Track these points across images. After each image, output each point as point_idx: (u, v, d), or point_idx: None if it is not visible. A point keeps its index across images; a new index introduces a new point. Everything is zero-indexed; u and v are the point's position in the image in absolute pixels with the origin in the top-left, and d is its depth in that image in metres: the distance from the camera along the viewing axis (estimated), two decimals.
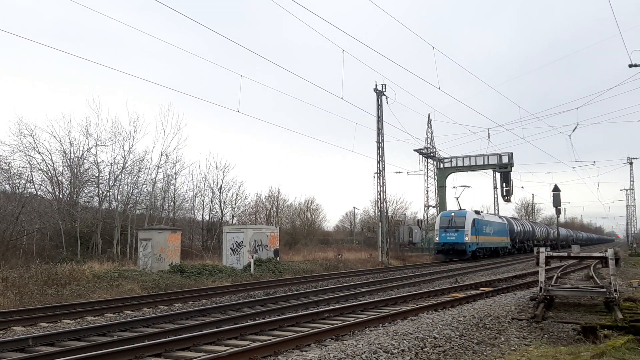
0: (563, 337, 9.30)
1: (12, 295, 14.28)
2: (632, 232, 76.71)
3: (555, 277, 17.70)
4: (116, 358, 7.20)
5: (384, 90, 38.89)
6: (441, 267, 30.76)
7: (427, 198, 53.82)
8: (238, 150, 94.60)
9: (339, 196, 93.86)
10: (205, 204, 40.29)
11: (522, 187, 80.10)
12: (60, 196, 31.49)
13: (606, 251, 12.40)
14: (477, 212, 40.55)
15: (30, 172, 29.97)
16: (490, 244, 41.55)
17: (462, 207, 39.49)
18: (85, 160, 31.83)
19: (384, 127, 38.80)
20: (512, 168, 54.55)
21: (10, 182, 28.89)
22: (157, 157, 34.22)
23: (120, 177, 32.22)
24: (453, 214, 38.08)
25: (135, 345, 7.75)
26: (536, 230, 59.35)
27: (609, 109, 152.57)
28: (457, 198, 39.94)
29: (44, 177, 31.13)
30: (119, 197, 32.88)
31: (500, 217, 48.03)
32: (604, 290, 12.11)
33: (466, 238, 36.39)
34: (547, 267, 12.74)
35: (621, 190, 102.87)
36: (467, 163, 54.58)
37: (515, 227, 49.57)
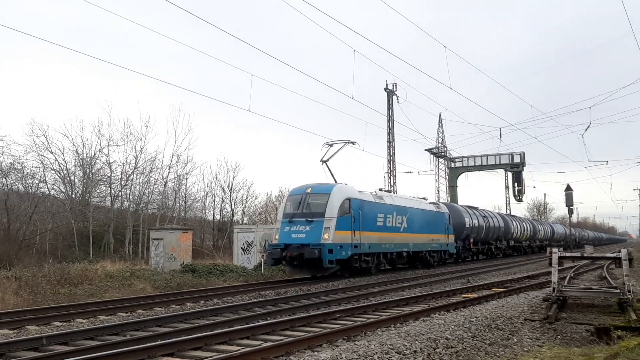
0: (576, 338, 9.24)
1: (25, 295, 14.42)
2: None
3: (568, 278, 17.59)
4: (129, 357, 7.23)
5: (394, 89, 38.94)
6: (454, 267, 28.47)
7: (438, 198, 53.62)
8: (248, 149, 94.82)
9: None
10: (216, 203, 40.54)
11: (534, 187, 79.65)
12: (73, 196, 31.79)
13: (619, 251, 12.30)
14: (380, 192, 24.50)
15: (43, 172, 30.31)
16: (400, 246, 24.17)
17: (337, 181, 22.19)
18: (97, 160, 32.20)
19: (394, 126, 38.79)
20: (524, 168, 54.24)
21: (23, 181, 29.23)
22: (169, 157, 34.53)
23: (132, 177, 32.53)
24: (309, 190, 20.78)
25: (148, 344, 7.78)
26: (513, 227, 42.52)
27: (622, 108, 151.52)
28: (324, 162, 22.32)
29: (57, 177, 31.48)
30: (130, 197, 33.19)
31: (434, 203, 30.22)
32: (618, 291, 12.01)
33: (325, 236, 19.31)
34: (559, 268, 12.66)
35: (634, 189, 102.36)
36: (478, 163, 54.35)
37: (466, 219, 32.85)
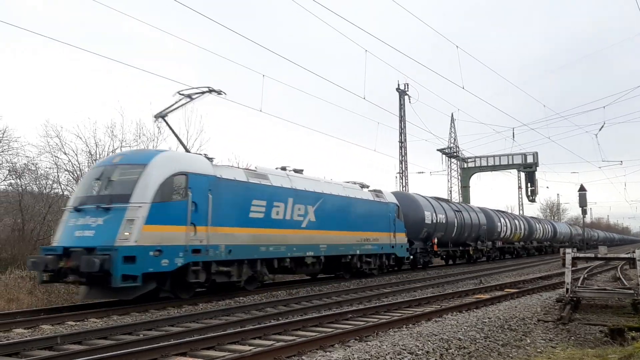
0: (590, 339, 9.19)
1: (40, 294, 14.58)
2: None
3: (581, 279, 17.45)
4: (142, 356, 7.28)
5: (406, 89, 38.91)
6: (465, 268, 27.29)
7: (451, 198, 53.45)
8: (260, 150, 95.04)
9: None
10: None
11: (548, 187, 79.17)
12: None
13: (633, 252, 12.21)
14: (263, 168, 16.51)
15: (57, 172, 30.44)
16: (301, 249, 16.75)
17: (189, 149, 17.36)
18: None
19: (406, 126, 38.74)
20: (537, 168, 53.94)
21: (37, 182, 29.44)
22: None
23: None
24: (117, 159, 13.14)
25: (161, 344, 7.83)
26: (500, 224, 35.63)
27: (636, 108, 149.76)
28: (161, 117, 15.50)
29: (70, 178, 31.61)
30: None
31: (374, 191, 22.43)
32: (632, 291, 11.92)
33: (126, 233, 11.46)
34: (573, 268, 12.59)
35: None
36: (491, 163, 54.11)
37: (427, 213, 25.82)
